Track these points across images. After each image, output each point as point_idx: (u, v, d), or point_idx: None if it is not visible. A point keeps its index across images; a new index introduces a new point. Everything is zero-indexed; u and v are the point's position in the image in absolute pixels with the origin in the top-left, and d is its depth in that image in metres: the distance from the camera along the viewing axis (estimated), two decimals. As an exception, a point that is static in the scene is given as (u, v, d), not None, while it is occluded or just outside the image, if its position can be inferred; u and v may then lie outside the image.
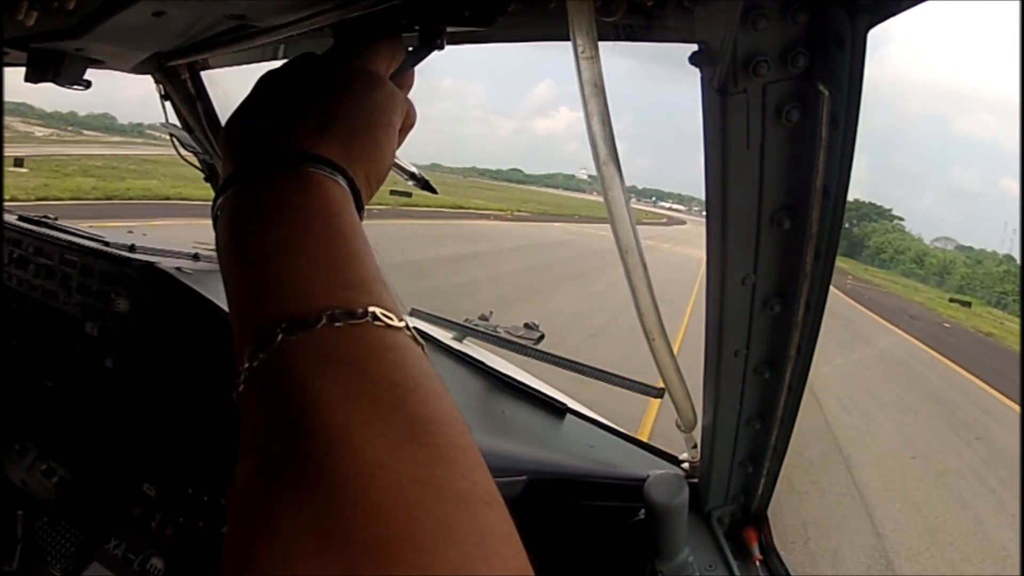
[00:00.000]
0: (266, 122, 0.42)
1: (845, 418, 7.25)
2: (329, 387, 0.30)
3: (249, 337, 0.33)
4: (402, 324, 0.34)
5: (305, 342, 0.31)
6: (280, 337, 0.31)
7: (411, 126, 0.49)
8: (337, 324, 0.32)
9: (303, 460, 0.28)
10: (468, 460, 0.30)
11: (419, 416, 0.30)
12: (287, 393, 0.30)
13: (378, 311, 0.33)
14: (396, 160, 0.49)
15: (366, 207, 0.43)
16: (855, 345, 12.54)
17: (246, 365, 0.33)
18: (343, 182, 0.40)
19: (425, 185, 0.69)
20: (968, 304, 29.79)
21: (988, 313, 28.85)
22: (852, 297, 22.31)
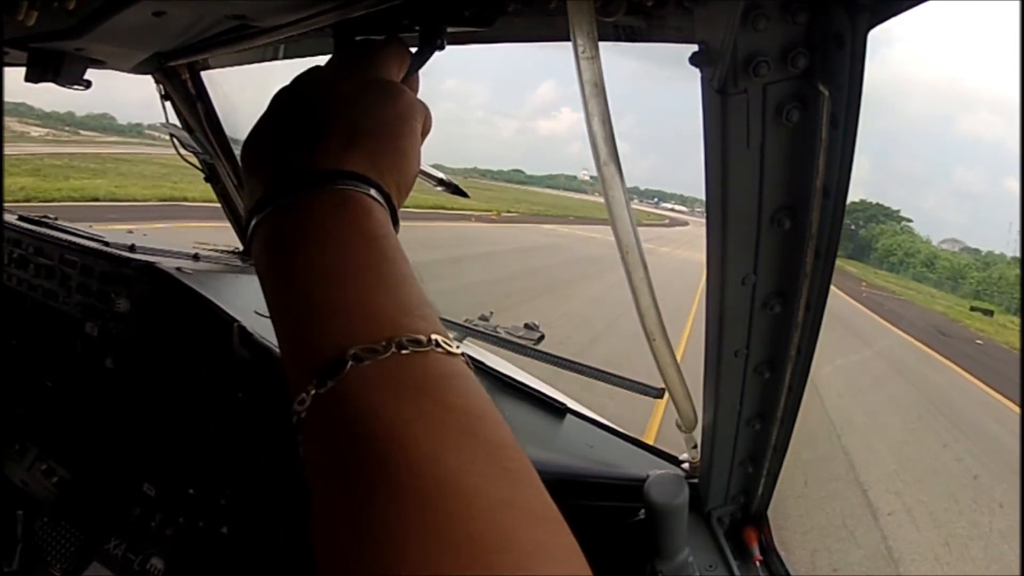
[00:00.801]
0: (290, 139, 0.42)
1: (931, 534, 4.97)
2: (409, 415, 0.30)
3: (310, 364, 0.33)
4: (459, 351, 0.34)
5: (375, 370, 0.32)
6: (350, 365, 0.32)
7: (429, 130, 0.49)
8: (404, 352, 0.32)
9: (396, 489, 0.28)
10: (538, 482, 0.31)
11: (493, 442, 0.31)
12: (364, 421, 0.30)
13: (440, 339, 0.34)
14: (422, 167, 0.49)
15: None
16: (895, 381, 10.29)
17: (312, 392, 0.32)
18: (379, 196, 0.40)
19: (455, 190, 0.68)
20: (990, 313, 28.56)
21: (1011, 323, 26.60)
22: (872, 309, 20.61)
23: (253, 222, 0.39)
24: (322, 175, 0.39)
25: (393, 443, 0.29)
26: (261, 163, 0.42)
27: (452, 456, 0.29)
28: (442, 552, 0.26)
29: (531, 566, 0.27)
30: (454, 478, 0.28)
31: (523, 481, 0.30)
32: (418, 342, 0.33)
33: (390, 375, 0.32)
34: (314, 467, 0.31)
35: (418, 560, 0.26)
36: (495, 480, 0.29)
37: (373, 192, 0.39)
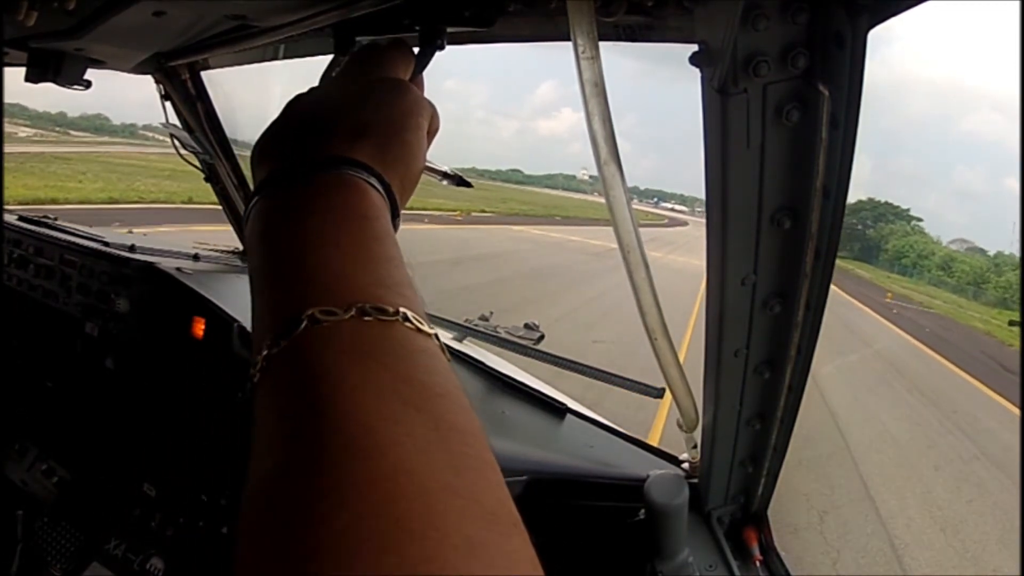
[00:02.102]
0: (299, 135, 0.42)
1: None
2: (353, 378, 0.28)
3: (269, 327, 0.31)
4: (432, 332, 0.33)
5: (331, 331, 0.30)
6: (304, 325, 0.30)
7: (437, 130, 0.49)
8: (367, 318, 0.30)
9: (325, 458, 0.26)
10: (495, 477, 0.28)
11: (447, 422, 0.28)
12: (308, 382, 0.28)
13: (409, 313, 0.32)
14: (427, 163, 0.49)
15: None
16: (971, 461, 7.00)
17: (264, 353, 0.30)
18: (379, 186, 0.40)
19: (460, 182, 0.68)
20: (1036, 328, 24.35)
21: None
22: (908, 331, 16.95)
23: (251, 204, 0.39)
24: (324, 162, 0.39)
25: (332, 406, 0.27)
26: (268, 156, 0.42)
27: (393, 429, 0.26)
28: (358, 527, 0.24)
29: (459, 564, 0.23)
30: (386, 452, 0.26)
31: (474, 470, 0.27)
32: (383, 311, 0.31)
33: (346, 339, 0.30)
34: (258, 430, 0.29)
35: (328, 537, 0.23)
36: (439, 463, 0.26)
37: (373, 181, 0.39)
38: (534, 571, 0.25)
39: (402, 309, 0.31)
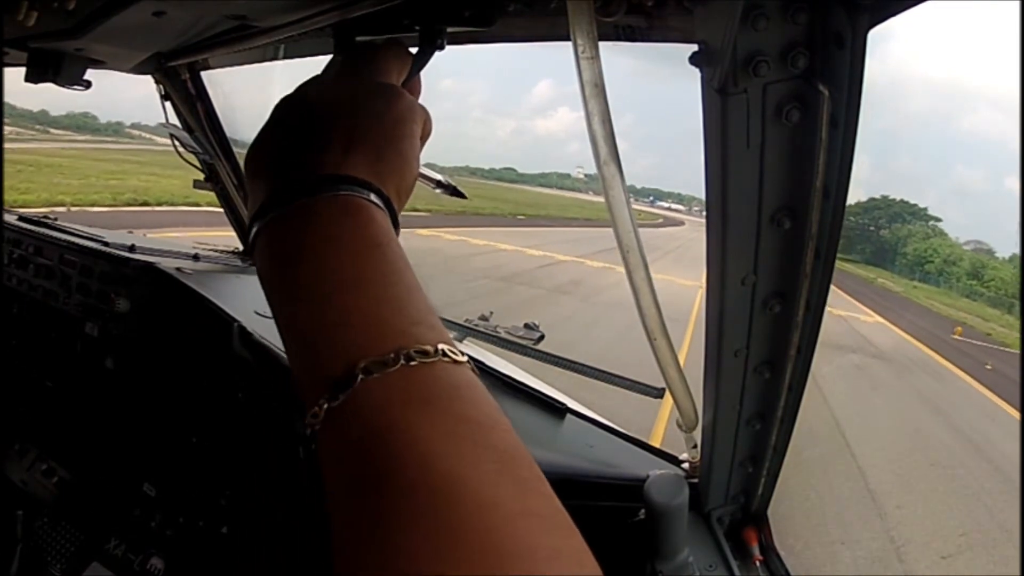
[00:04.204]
0: (292, 145, 0.42)
1: None
2: (420, 428, 0.31)
3: (321, 377, 0.33)
4: (465, 359, 0.35)
5: (385, 382, 0.32)
6: (360, 378, 0.32)
7: (429, 134, 0.49)
8: (412, 364, 0.33)
9: (415, 506, 0.29)
10: (547, 490, 0.32)
11: (506, 452, 0.32)
12: (380, 437, 0.31)
13: (446, 348, 0.34)
14: (421, 171, 0.49)
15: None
16: None
17: (325, 406, 0.33)
18: (379, 201, 0.40)
19: (454, 191, 0.68)
20: None
21: None
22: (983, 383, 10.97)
23: (255, 228, 0.40)
24: (323, 180, 0.39)
25: (409, 459, 0.30)
26: (263, 169, 0.42)
27: (467, 470, 0.30)
28: (463, 565, 0.27)
29: (553, 568, 0.28)
30: (472, 492, 0.29)
31: (536, 490, 0.31)
32: (425, 352, 0.33)
33: (400, 388, 0.32)
34: (333, 481, 0.32)
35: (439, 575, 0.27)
36: (510, 491, 0.30)
37: (374, 197, 0.40)
38: (592, 562, 0.30)
39: (440, 346, 0.34)
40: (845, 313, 16.43)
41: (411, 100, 0.47)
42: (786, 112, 0.54)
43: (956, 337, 17.95)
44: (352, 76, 0.48)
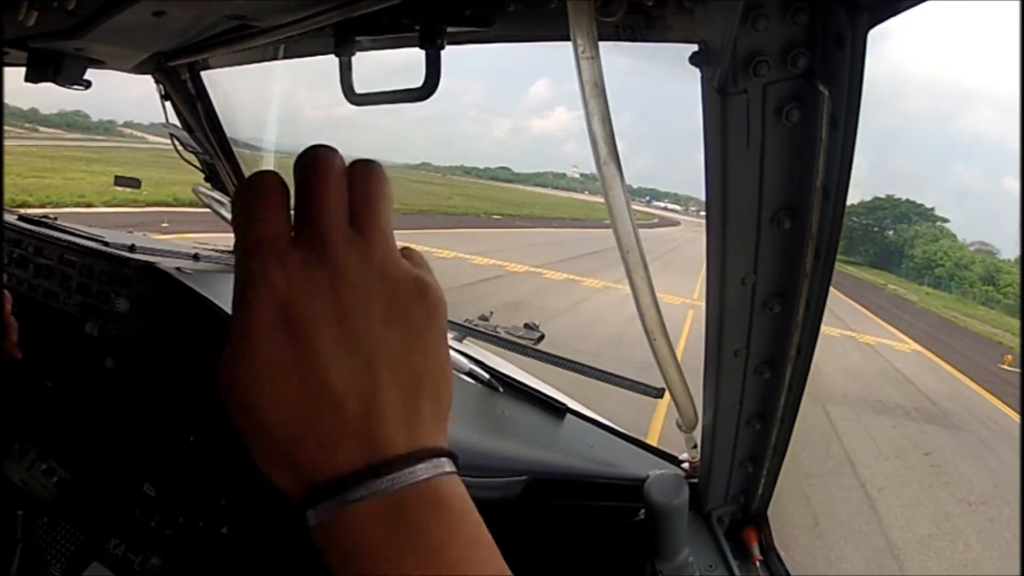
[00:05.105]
0: (332, 418, 0.32)
1: None
2: None
3: None
4: None
5: None
6: None
7: None
8: None
9: None
10: None
11: None
12: None
13: None
14: None
15: None
16: None
17: None
18: (452, 467, 0.33)
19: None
20: None
21: None
22: None
23: (311, 514, 0.33)
24: (409, 457, 0.31)
25: None
26: (304, 452, 0.33)
27: None
28: None
29: None
30: None
31: None
32: None
33: None
34: None
35: None
36: None
37: (449, 466, 0.32)
38: None
39: None
40: (875, 340, 12.74)
41: (437, 295, 0.34)
42: (786, 112, 0.54)
43: (1006, 367, 14.52)
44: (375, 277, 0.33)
